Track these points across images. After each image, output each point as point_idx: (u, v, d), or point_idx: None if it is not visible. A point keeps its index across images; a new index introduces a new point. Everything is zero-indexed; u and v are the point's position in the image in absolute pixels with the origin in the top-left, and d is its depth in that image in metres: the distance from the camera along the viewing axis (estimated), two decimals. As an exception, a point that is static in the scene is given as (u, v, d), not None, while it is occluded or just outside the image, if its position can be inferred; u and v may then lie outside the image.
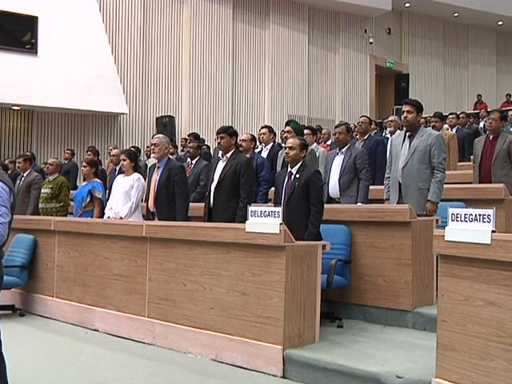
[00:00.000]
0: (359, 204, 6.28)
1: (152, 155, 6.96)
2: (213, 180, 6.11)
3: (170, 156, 6.98)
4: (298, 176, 5.43)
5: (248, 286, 4.73)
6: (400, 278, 5.18)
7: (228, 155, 6.10)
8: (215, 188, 6.03)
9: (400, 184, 5.73)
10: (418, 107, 5.77)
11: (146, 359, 5.00)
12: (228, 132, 6.15)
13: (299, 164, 5.51)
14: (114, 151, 9.60)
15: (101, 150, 13.62)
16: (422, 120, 12.41)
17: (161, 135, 6.87)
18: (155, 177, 6.48)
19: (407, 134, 5.79)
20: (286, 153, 5.60)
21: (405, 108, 5.77)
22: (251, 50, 19.54)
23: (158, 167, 6.50)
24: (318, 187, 5.41)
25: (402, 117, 5.82)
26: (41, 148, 15.95)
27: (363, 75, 21.96)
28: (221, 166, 6.10)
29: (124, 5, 17.20)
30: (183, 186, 6.41)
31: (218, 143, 6.27)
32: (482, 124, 13.41)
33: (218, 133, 6.21)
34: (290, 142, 5.64)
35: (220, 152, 6.29)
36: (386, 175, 6.05)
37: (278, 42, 19.95)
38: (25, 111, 15.69)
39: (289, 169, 5.57)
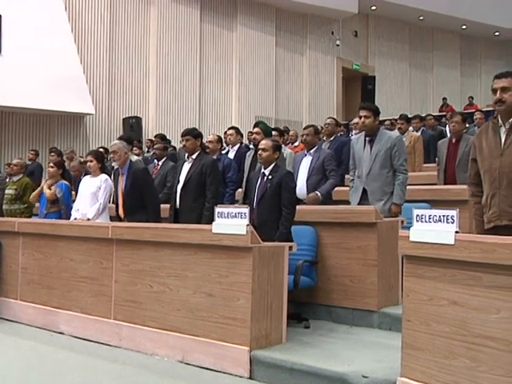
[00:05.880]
0: (317, 193, 6.30)
1: (113, 163, 6.91)
2: (178, 181, 6.10)
3: (135, 157, 6.92)
4: (270, 177, 5.43)
5: (215, 288, 4.72)
6: (366, 279, 5.22)
7: (194, 156, 6.10)
8: (181, 189, 6.02)
9: (365, 189, 5.75)
10: (374, 111, 5.73)
11: (113, 362, 4.95)
12: (193, 134, 6.16)
13: (272, 165, 5.51)
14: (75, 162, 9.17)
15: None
16: (388, 122, 12.62)
17: (117, 141, 6.80)
18: (121, 184, 6.42)
19: (367, 138, 5.76)
20: (259, 154, 5.58)
21: (361, 113, 5.72)
22: (218, 52, 19.51)
23: (122, 174, 6.45)
24: (290, 188, 5.41)
25: (360, 122, 5.78)
26: (4, 149, 15.69)
27: (330, 77, 22.11)
28: (186, 167, 6.09)
29: (90, 4, 17.01)
30: (150, 189, 6.40)
31: (183, 145, 6.26)
32: (448, 127, 13.55)
33: (182, 135, 6.22)
34: (263, 143, 5.63)
35: (186, 153, 6.28)
36: (351, 177, 6.05)
37: (246, 43, 19.97)
38: (-12, 111, 15.44)
39: (262, 170, 5.58)
